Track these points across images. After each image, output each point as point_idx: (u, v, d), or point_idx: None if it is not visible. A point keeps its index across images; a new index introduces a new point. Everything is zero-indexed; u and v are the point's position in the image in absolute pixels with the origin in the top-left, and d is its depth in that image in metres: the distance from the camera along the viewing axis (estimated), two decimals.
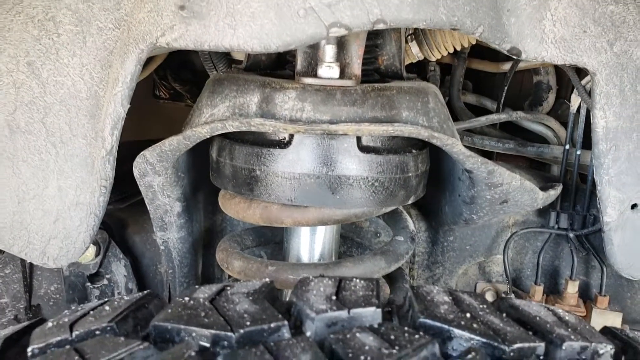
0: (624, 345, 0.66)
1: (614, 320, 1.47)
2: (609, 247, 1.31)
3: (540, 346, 0.58)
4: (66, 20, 1.13)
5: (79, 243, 1.27)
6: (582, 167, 1.48)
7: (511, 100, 1.73)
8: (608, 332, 0.69)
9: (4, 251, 1.57)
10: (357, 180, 1.06)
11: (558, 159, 1.53)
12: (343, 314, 0.60)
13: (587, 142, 1.49)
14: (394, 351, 0.52)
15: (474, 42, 1.41)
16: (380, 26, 0.97)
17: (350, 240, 1.55)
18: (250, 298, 0.65)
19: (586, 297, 1.54)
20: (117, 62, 1.12)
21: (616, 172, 1.26)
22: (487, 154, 1.60)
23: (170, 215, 1.30)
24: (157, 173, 1.17)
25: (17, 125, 1.23)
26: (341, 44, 1.08)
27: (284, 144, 1.07)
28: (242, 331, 0.57)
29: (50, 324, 0.65)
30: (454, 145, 1.05)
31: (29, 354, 0.59)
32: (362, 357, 0.51)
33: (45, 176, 1.26)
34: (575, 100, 1.43)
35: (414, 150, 1.14)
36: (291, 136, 1.06)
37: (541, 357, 0.57)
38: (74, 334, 0.60)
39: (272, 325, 0.58)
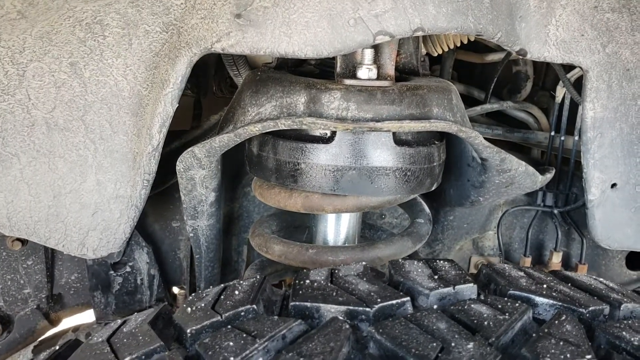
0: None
1: None
2: (591, 221, 1.49)
3: (607, 308, 0.72)
4: (114, 23, 1.19)
5: (119, 234, 1.34)
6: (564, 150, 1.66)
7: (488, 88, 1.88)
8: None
9: (26, 243, 1.62)
10: (393, 170, 1.18)
11: (542, 143, 1.71)
12: (450, 290, 0.73)
13: (569, 129, 1.68)
14: (507, 316, 0.66)
15: (472, 39, 1.55)
16: (419, 33, 1.09)
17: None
18: (365, 279, 0.76)
19: (568, 265, 1.74)
20: (165, 64, 1.19)
21: (600, 156, 1.43)
22: None
23: (204, 205, 1.38)
24: (202, 167, 1.25)
25: (55, 122, 1.29)
26: (377, 47, 1.19)
27: (326, 140, 1.18)
28: (376, 307, 0.68)
29: (188, 309, 0.74)
30: (476, 137, 1.19)
31: (188, 334, 0.69)
32: (485, 323, 0.64)
33: (83, 171, 1.32)
34: (560, 92, 1.60)
35: (437, 142, 1.27)
36: (333, 132, 1.17)
37: (606, 317, 0.72)
38: (223, 316, 0.70)
39: (399, 300, 0.70)
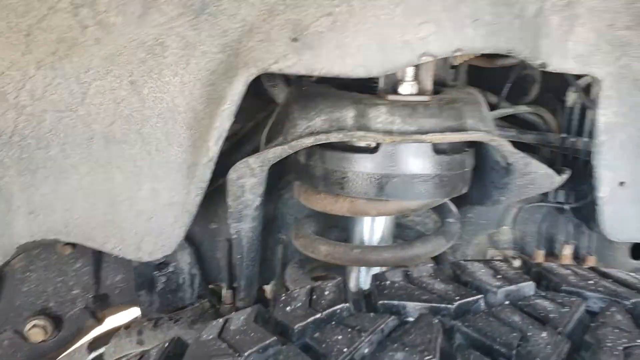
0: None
1: None
2: (600, 216, 1.62)
3: None
4: (174, 45, 1.28)
5: (173, 238, 1.44)
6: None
7: (499, 90, 2.00)
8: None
9: (75, 247, 1.71)
10: (432, 177, 1.30)
11: (552, 143, 1.84)
12: (514, 287, 0.85)
13: (579, 131, 1.81)
14: (567, 309, 0.78)
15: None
16: (458, 53, 1.21)
17: None
18: (438, 279, 0.88)
19: (577, 257, 1.88)
20: (221, 82, 1.29)
21: (611, 157, 1.56)
22: None
23: (249, 209, 1.48)
24: (254, 176, 1.36)
25: (114, 136, 1.38)
26: (417, 65, 1.30)
27: (371, 150, 1.29)
28: (456, 303, 0.80)
29: (287, 308, 0.85)
30: (505, 145, 1.32)
31: (295, 330, 0.80)
32: (551, 315, 0.76)
33: (139, 180, 1.42)
34: (570, 97, 1.74)
35: (467, 150, 1.39)
36: (378, 143, 1.28)
37: None
38: (323, 314, 0.81)
39: (475, 298, 0.82)
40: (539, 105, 1.95)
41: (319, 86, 1.39)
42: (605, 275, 0.95)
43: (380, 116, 1.23)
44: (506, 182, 1.48)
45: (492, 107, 1.86)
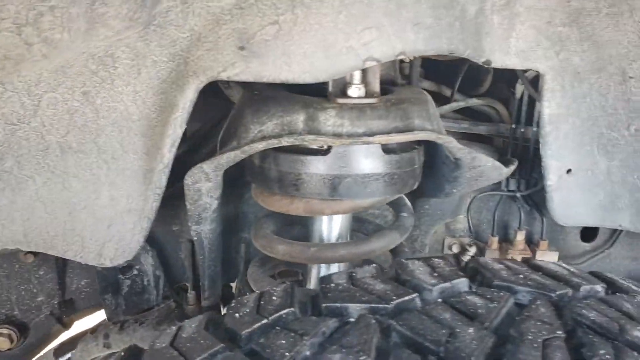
0: (607, 283, 1.01)
1: (552, 257, 1.89)
2: (550, 203, 1.69)
3: (570, 290, 0.91)
4: (124, 55, 1.30)
5: (133, 243, 1.47)
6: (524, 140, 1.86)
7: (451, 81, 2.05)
8: (595, 275, 1.04)
9: (38, 255, 1.72)
10: (383, 175, 1.35)
11: (504, 134, 1.90)
12: (448, 284, 0.90)
13: (528, 121, 1.87)
14: (495, 304, 0.83)
15: None
16: (401, 57, 1.25)
17: None
18: (379, 279, 0.93)
19: (530, 242, 1.95)
20: (173, 90, 1.31)
21: (557, 147, 1.63)
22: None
23: (207, 212, 1.51)
24: (209, 180, 1.39)
25: (69, 145, 1.40)
26: (364, 69, 1.34)
27: (323, 152, 1.33)
28: (393, 303, 0.85)
29: (236, 315, 0.89)
30: (451, 142, 1.37)
31: (242, 336, 0.83)
32: (480, 310, 0.81)
33: (97, 188, 1.44)
34: (519, 89, 1.80)
35: (417, 147, 1.44)
36: (329, 145, 1.32)
37: (570, 298, 0.90)
38: (269, 319, 0.85)
39: (410, 297, 0.87)
40: (492, 96, 2.01)
41: (270, 90, 1.41)
42: (536, 268, 1.00)
43: (329, 119, 1.27)
44: (456, 176, 1.53)
45: (446, 99, 1.91)
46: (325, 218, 1.53)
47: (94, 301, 1.79)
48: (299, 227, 1.72)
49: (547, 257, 1.89)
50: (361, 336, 0.77)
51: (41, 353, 1.74)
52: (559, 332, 0.77)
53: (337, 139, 1.25)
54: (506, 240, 1.96)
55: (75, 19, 1.20)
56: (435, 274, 0.94)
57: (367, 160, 1.33)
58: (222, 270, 1.75)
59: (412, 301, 0.87)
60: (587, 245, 2.01)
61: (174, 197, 1.70)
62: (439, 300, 0.87)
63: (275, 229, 1.62)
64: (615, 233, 1.99)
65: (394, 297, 0.86)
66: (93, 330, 1.71)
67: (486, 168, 1.51)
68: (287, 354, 0.76)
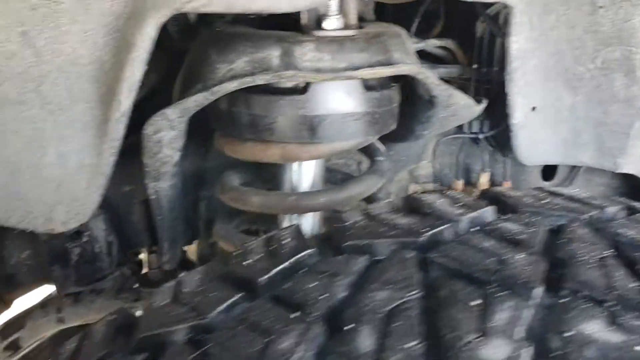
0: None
1: None
2: (515, 142, 1.67)
3: (597, 212, 0.87)
4: None
5: (88, 204, 1.32)
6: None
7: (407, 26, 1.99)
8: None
9: None
10: (364, 115, 1.26)
11: (464, 76, 1.86)
12: (476, 213, 0.84)
13: (489, 61, 1.83)
14: (534, 229, 0.78)
15: None
16: None
17: None
18: (399, 214, 0.85)
19: (493, 184, 1.94)
20: (128, 27, 1.16)
21: (523, 83, 1.60)
22: None
23: (168, 166, 1.38)
24: (173, 128, 1.26)
25: (6, 96, 1.23)
26: None
27: (300, 91, 1.23)
28: (425, 235, 0.78)
29: (244, 263, 0.79)
30: (430, 77, 1.30)
31: (259, 284, 0.73)
32: (520, 237, 0.76)
33: (42, 144, 1.28)
34: (480, 28, 1.75)
35: (394, 85, 1.36)
36: (307, 83, 1.22)
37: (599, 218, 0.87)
38: (288, 263, 0.76)
39: (442, 227, 0.80)
40: (446, 37, 1.95)
41: (234, 27, 1.29)
42: (555, 194, 0.97)
43: (307, 54, 1.16)
44: (429, 116, 1.48)
45: None
46: (296, 166, 1.43)
47: (37, 275, 1.62)
48: (261, 182, 1.61)
49: None
50: (400, 272, 0.69)
51: None
52: (610, 251, 0.73)
53: (318, 74, 1.15)
54: (469, 184, 1.95)
55: None
56: (458, 205, 0.88)
57: (348, 99, 1.24)
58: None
59: (445, 232, 0.80)
60: (547, 184, 2.03)
61: (124, 154, 1.55)
62: (472, 230, 0.81)
63: (242, 182, 1.51)
64: (573, 170, 2.02)
65: (425, 229, 0.79)
66: (43, 305, 1.54)
67: (460, 106, 1.46)
68: (320, 296, 0.67)
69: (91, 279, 1.61)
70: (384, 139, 1.71)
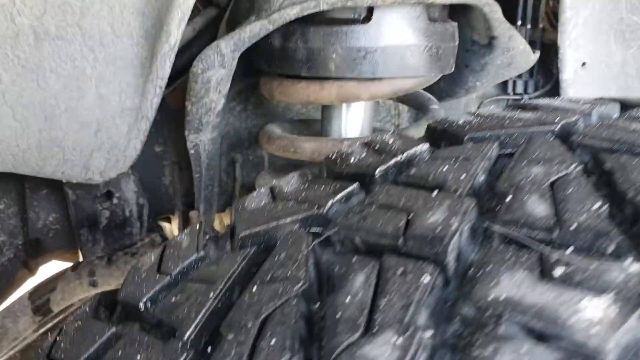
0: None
1: None
2: None
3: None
4: None
5: (129, 151, 1.22)
6: None
7: None
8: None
9: None
10: (428, 48, 1.18)
11: None
12: (603, 107, 0.75)
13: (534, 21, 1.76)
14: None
15: None
16: None
17: None
18: (519, 110, 0.76)
19: None
20: None
21: (575, 36, 1.53)
22: None
23: (210, 115, 1.29)
24: (223, 65, 1.17)
25: (45, 30, 1.13)
26: None
27: (362, 20, 1.14)
28: (560, 124, 0.68)
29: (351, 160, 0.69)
30: (497, 11, 1.23)
31: (377, 175, 0.64)
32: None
33: (81, 85, 1.18)
34: None
35: (453, 22, 1.28)
36: (369, 12, 1.14)
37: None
38: (402, 157, 0.67)
39: (576, 117, 0.71)
40: None
41: None
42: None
43: None
44: (485, 63, 1.40)
45: None
46: (345, 111, 1.34)
47: (64, 241, 1.51)
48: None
49: None
50: (553, 151, 0.60)
51: (11, 299, 1.44)
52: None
53: None
54: None
55: None
56: (579, 102, 0.77)
57: (413, 29, 1.16)
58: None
59: (577, 123, 0.70)
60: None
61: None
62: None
63: (287, 132, 1.42)
64: None
65: (557, 120, 0.69)
66: (74, 268, 1.43)
67: (517, 52, 1.38)
68: (461, 177, 0.58)
69: (120, 244, 1.50)
70: None
